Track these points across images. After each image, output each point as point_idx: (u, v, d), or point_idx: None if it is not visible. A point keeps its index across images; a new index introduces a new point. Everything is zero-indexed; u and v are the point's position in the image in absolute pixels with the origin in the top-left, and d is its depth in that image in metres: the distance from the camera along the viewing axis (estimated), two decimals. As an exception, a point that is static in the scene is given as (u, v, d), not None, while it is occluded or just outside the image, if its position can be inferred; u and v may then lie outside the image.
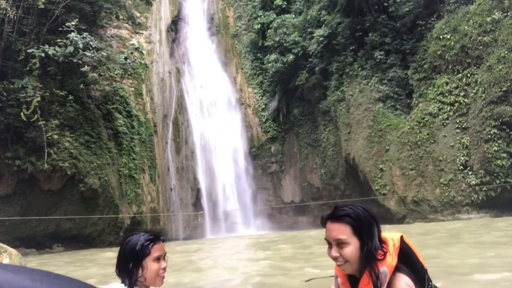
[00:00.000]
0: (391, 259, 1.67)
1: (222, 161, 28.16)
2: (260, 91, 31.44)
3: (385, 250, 1.68)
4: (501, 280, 5.75)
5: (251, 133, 30.67)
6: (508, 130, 16.08)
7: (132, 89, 26.01)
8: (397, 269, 1.67)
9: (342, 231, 1.72)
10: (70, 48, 17.31)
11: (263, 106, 30.98)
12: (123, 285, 1.97)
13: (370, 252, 1.68)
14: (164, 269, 2.06)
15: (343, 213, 1.75)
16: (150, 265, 2.00)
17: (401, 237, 1.74)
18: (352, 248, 1.71)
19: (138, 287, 1.99)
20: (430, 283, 1.74)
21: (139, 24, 28.86)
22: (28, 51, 16.68)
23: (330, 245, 1.78)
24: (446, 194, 17.71)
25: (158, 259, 2.04)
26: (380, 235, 1.74)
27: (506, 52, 16.26)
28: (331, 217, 1.77)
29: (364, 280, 1.71)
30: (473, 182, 16.94)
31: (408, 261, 1.73)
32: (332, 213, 1.79)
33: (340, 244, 1.72)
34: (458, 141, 17.86)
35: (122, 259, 2.01)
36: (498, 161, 16.00)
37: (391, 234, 1.78)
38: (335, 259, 1.75)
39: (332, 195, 25.88)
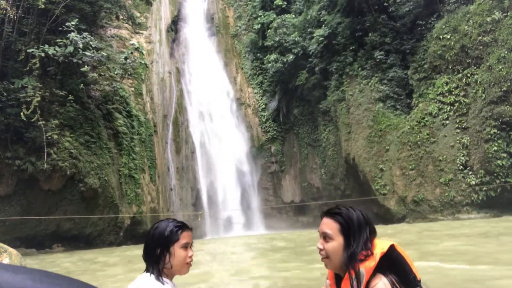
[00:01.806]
0: (370, 261, 1.73)
1: (222, 161, 28.16)
2: (260, 91, 31.45)
3: (369, 253, 1.75)
4: None
5: (251, 133, 30.67)
6: (508, 130, 16.08)
7: (132, 89, 26.02)
8: (379, 271, 1.73)
9: (330, 226, 1.85)
10: (70, 48, 17.31)
11: (263, 106, 30.98)
12: (148, 274, 1.94)
13: (354, 253, 1.77)
14: (191, 257, 2.05)
15: (337, 212, 1.87)
16: (178, 252, 1.98)
17: (392, 245, 1.80)
18: (335, 244, 1.82)
19: (165, 274, 1.97)
20: None
21: (139, 24, 28.88)
22: (28, 51, 16.68)
23: (320, 238, 1.92)
24: (446, 194, 17.71)
25: (185, 247, 2.02)
26: (372, 240, 1.82)
27: (506, 52, 16.26)
28: (326, 213, 1.91)
29: (345, 281, 1.79)
30: (473, 182, 16.94)
31: (399, 269, 1.78)
32: (328, 209, 1.93)
33: (326, 238, 1.85)
34: (458, 141, 17.86)
35: (150, 245, 1.98)
36: (498, 161, 16.01)
37: (383, 241, 1.84)
38: (319, 251, 1.88)
39: (332, 195, 25.88)
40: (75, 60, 17.77)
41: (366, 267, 1.74)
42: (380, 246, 1.80)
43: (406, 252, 1.83)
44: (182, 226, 2.05)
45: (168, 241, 1.97)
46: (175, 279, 2.06)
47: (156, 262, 1.96)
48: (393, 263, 1.78)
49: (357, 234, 1.80)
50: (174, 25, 32.47)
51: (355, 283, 1.73)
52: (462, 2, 19.48)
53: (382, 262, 1.75)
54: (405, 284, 1.76)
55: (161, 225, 2.03)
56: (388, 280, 1.73)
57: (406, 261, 1.80)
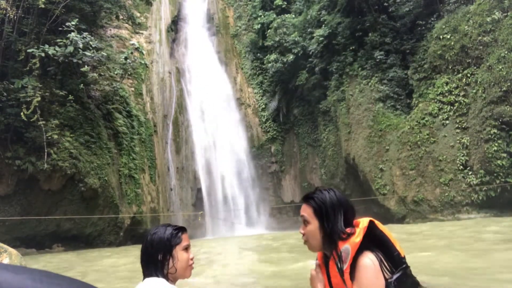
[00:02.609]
0: (355, 237, 1.76)
1: (222, 161, 28.16)
2: (260, 91, 31.45)
3: (350, 231, 1.78)
4: None
5: (251, 133, 30.67)
6: (508, 130, 16.08)
7: (132, 89, 26.02)
8: (365, 248, 1.75)
9: (306, 210, 1.93)
10: (70, 48, 17.31)
11: (263, 106, 30.98)
12: (156, 278, 1.86)
13: (331, 233, 1.82)
14: (192, 259, 2.02)
15: (310, 196, 1.96)
16: (181, 254, 1.93)
17: (371, 221, 1.85)
18: (312, 227, 1.89)
19: (170, 280, 1.90)
20: (407, 270, 1.81)
21: (139, 24, 28.87)
22: (28, 51, 16.68)
23: None
24: (446, 194, 17.71)
25: (186, 248, 1.99)
26: (351, 220, 1.88)
27: (506, 52, 16.26)
28: (303, 198, 2.00)
29: (331, 261, 1.84)
30: (473, 182, 16.94)
31: (383, 246, 1.81)
32: (306, 194, 2.00)
33: (305, 222, 1.93)
34: (458, 141, 17.86)
35: (150, 251, 1.90)
36: (498, 161, 16.00)
37: (362, 219, 1.89)
38: (302, 236, 1.96)
39: (332, 195, 25.83)
40: (75, 60, 17.77)
41: (351, 243, 1.77)
42: (361, 223, 1.85)
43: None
44: (181, 229, 2.01)
45: (170, 244, 1.92)
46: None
47: (159, 268, 1.89)
48: (377, 241, 1.81)
49: (331, 215, 1.85)
50: (174, 25, 32.47)
51: (338, 262, 1.77)
52: (462, 2, 19.47)
53: (366, 240, 1.78)
54: (390, 261, 1.78)
55: (160, 229, 1.96)
56: (376, 257, 1.75)
57: (389, 239, 1.83)
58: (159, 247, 1.90)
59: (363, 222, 1.85)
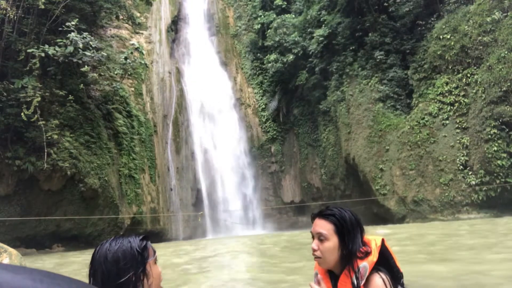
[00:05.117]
0: (372, 256, 1.80)
1: (222, 161, 28.17)
2: (260, 91, 31.46)
3: (367, 250, 1.82)
4: None
5: (251, 133, 30.68)
6: (508, 130, 16.08)
7: (132, 89, 26.03)
8: (375, 269, 1.80)
9: (325, 227, 1.91)
10: (70, 48, 17.31)
11: (263, 106, 31.00)
12: None
13: (351, 252, 1.85)
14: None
15: (330, 213, 1.94)
16: (154, 269, 1.56)
17: (382, 240, 1.89)
18: (330, 244, 1.88)
19: None
20: (403, 286, 1.91)
21: (139, 24, 28.88)
22: (28, 51, 16.67)
23: (314, 238, 1.98)
24: (446, 194, 17.71)
25: (155, 261, 1.63)
26: (362, 238, 1.92)
27: (506, 52, 16.27)
28: (319, 214, 1.96)
29: (343, 277, 1.86)
30: (473, 182, 16.95)
31: (386, 263, 1.88)
32: (320, 211, 1.99)
33: (321, 238, 1.90)
34: (458, 141, 17.87)
35: (115, 273, 1.44)
36: (498, 161, 16.01)
37: (373, 237, 1.93)
38: (314, 251, 1.94)
39: (332, 195, 25.88)
40: (75, 60, 17.77)
41: (369, 261, 1.81)
42: (373, 241, 1.89)
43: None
44: (146, 237, 1.60)
45: (143, 258, 1.52)
46: None
47: None
48: (381, 257, 1.86)
49: (351, 234, 1.87)
50: (174, 25, 32.47)
51: (355, 280, 1.80)
52: (462, 2, 19.48)
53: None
54: (390, 276, 1.85)
55: (122, 242, 1.52)
56: (386, 277, 1.81)
57: (392, 255, 1.89)
58: (129, 265, 1.47)
59: (376, 240, 1.90)
